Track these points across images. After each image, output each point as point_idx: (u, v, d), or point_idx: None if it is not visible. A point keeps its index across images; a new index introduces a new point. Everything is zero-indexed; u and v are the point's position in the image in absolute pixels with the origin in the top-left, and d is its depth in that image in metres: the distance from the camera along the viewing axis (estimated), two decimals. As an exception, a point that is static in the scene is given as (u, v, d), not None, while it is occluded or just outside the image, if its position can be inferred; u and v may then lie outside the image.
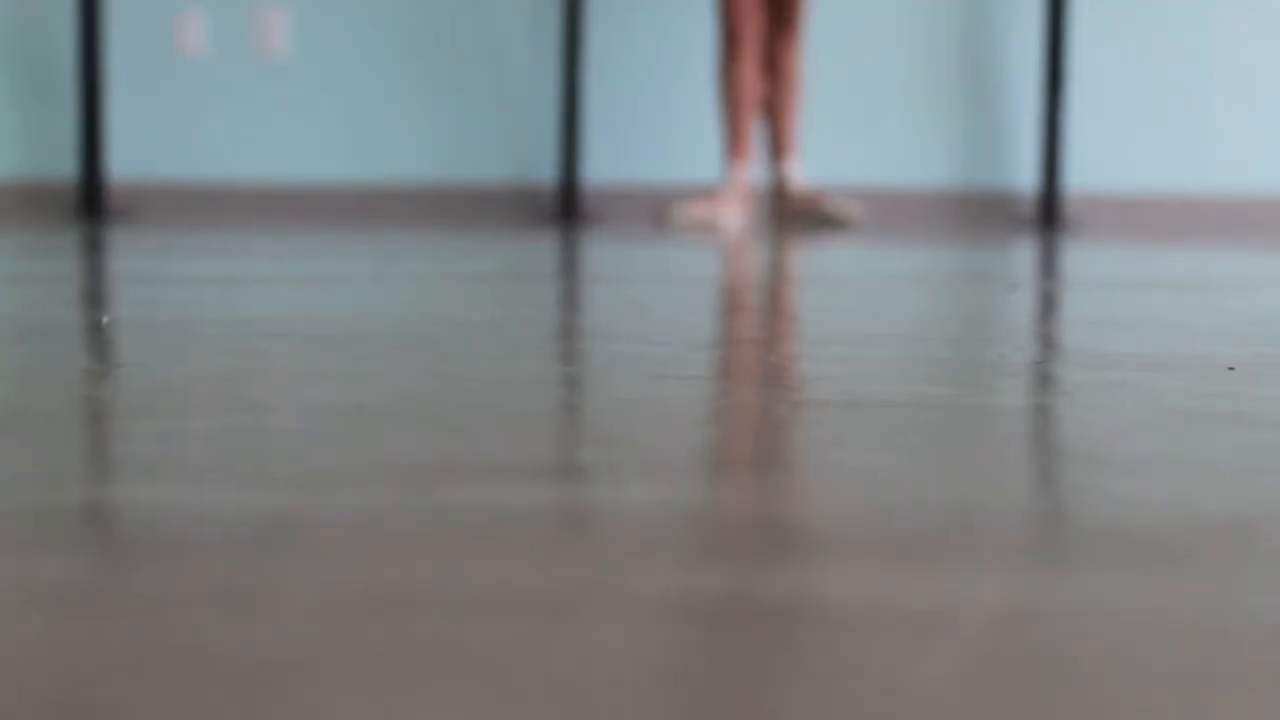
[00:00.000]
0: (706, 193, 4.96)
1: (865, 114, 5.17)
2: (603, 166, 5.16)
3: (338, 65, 5.27)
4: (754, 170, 4.98)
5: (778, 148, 4.96)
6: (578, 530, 0.67)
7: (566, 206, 5.14)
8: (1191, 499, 0.76)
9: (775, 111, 4.95)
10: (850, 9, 5.22)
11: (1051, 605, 0.56)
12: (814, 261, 3.04)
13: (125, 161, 5.24)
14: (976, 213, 5.30)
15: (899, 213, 5.16)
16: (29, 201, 5.27)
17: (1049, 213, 5.14)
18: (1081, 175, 5.25)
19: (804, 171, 5.05)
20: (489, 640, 0.50)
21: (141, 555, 0.61)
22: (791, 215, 4.95)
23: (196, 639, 0.50)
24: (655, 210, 5.09)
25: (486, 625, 0.52)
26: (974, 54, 5.27)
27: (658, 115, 5.19)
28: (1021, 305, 2.05)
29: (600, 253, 3.27)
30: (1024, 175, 5.27)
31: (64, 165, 5.24)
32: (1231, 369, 1.31)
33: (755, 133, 4.96)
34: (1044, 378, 1.28)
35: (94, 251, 3.11)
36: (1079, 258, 3.31)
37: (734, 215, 4.92)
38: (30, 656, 0.48)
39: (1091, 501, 0.75)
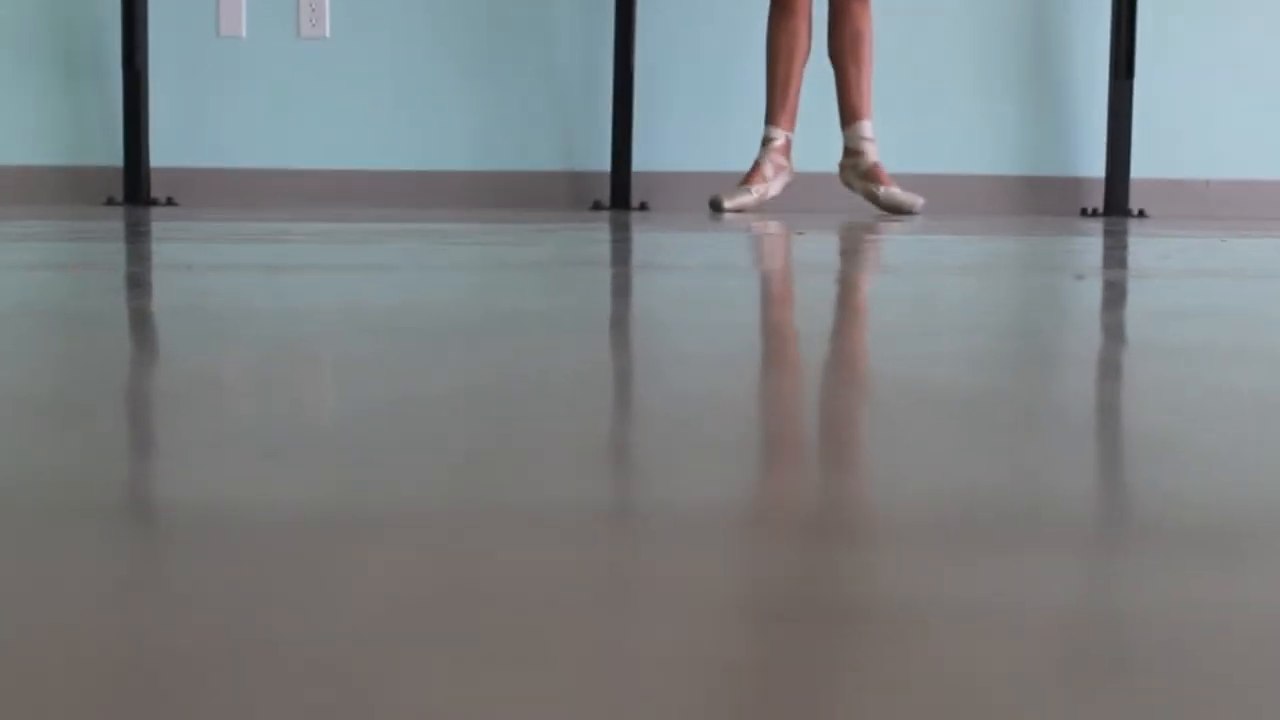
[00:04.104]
0: (749, 173, 4.87)
1: (927, 98, 5.11)
2: (654, 152, 5.12)
3: (381, 47, 5.25)
4: (792, 132, 4.86)
5: (849, 111, 4.83)
6: (633, 522, 0.64)
7: (617, 192, 5.11)
8: (1265, 492, 0.72)
9: (844, 73, 4.82)
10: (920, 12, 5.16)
11: (1121, 600, 0.53)
12: (873, 249, 3.00)
13: (167, 146, 5.24)
14: (1041, 199, 5.24)
15: (960, 198, 5.10)
16: (71, 187, 5.27)
17: (1115, 199, 5.07)
18: (1148, 161, 5.18)
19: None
20: (545, 634, 0.48)
21: (192, 547, 0.60)
22: (858, 183, 4.84)
23: (251, 631, 0.48)
24: (709, 196, 5.04)
25: (542, 619, 0.50)
26: (1039, 37, 5.21)
27: (710, 100, 5.14)
28: (1087, 294, 2.00)
29: (651, 240, 3.24)
30: (1090, 161, 5.20)
31: (106, 151, 5.24)
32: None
33: (798, 93, 4.84)
34: (1111, 369, 1.24)
35: (137, 238, 3.09)
36: (1146, 245, 3.26)
37: (774, 183, 4.85)
38: (85, 650, 0.46)
39: (1161, 495, 0.71)
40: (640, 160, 5.13)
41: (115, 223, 3.77)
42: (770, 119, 4.85)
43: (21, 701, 0.41)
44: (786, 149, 4.86)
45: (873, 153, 4.82)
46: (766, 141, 4.85)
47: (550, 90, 5.24)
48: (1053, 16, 5.20)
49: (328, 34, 5.26)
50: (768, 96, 4.84)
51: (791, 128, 4.87)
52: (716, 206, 4.84)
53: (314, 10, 5.25)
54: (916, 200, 4.81)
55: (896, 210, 4.80)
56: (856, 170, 4.82)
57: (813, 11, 4.82)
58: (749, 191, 4.82)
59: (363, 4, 5.24)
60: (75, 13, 5.24)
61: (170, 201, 5.20)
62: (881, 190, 4.81)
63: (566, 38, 5.23)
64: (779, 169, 4.84)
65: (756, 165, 4.84)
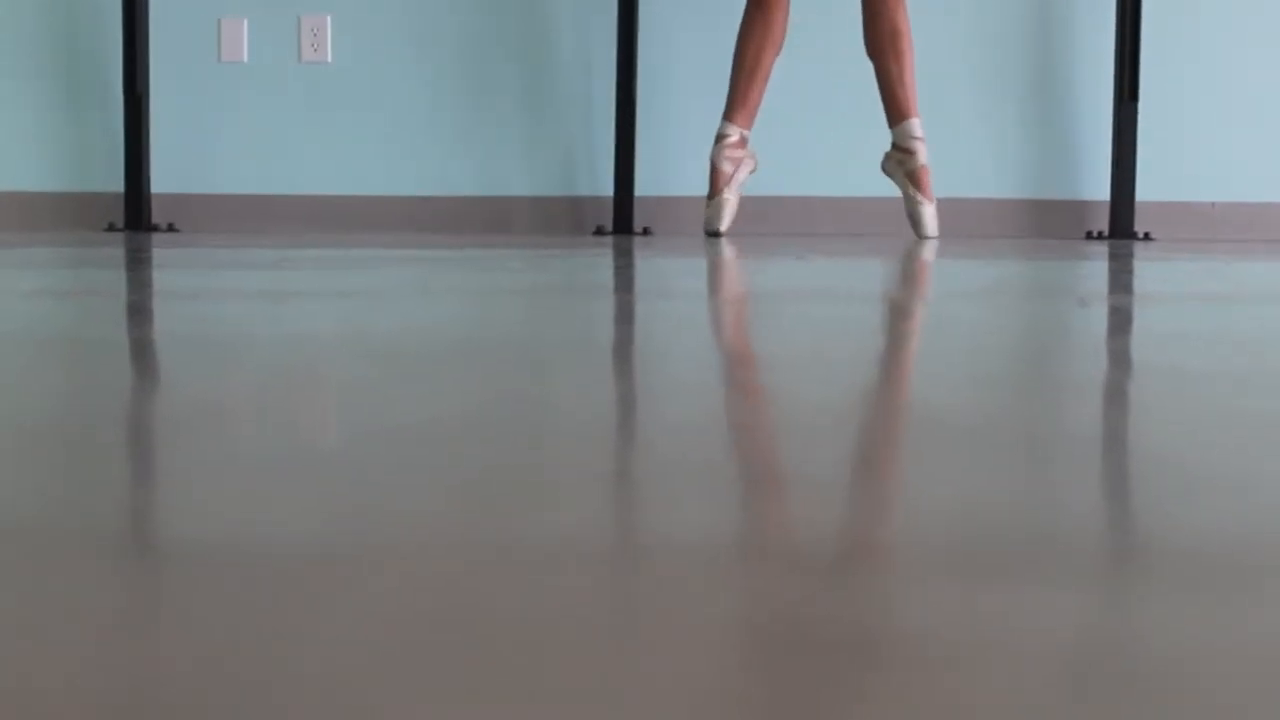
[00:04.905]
0: (711, 180, 4.81)
1: (931, 121, 5.10)
2: (656, 177, 5.11)
3: (383, 72, 5.25)
4: (749, 130, 4.77)
5: (895, 110, 4.73)
6: (634, 554, 0.63)
7: (620, 218, 5.11)
8: (1274, 520, 0.71)
9: (886, 70, 4.67)
10: (921, 17, 5.16)
11: (1129, 631, 0.53)
12: (876, 274, 2.99)
13: (168, 172, 5.24)
14: (1045, 222, 5.23)
15: (964, 222, 5.09)
16: (72, 213, 5.27)
17: (1120, 222, 5.06)
18: (1154, 184, 5.16)
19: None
20: (546, 668, 0.47)
21: (189, 579, 0.59)
22: (898, 177, 4.76)
23: (252, 664, 0.48)
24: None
25: (543, 652, 0.49)
26: (1043, 60, 5.20)
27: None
28: (1093, 320, 1.99)
29: (652, 266, 3.23)
30: (1095, 184, 5.18)
31: (107, 176, 5.23)
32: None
33: (757, 92, 4.76)
34: (1117, 395, 1.23)
35: (137, 265, 3.09)
36: (1151, 270, 3.25)
37: (739, 175, 4.78)
38: (79, 684, 0.46)
39: (1169, 522, 0.70)
40: (643, 185, 5.12)
41: (116, 249, 3.77)
42: (727, 114, 4.74)
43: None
44: (741, 144, 4.77)
45: (923, 154, 4.71)
46: (720, 138, 4.76)
47: (552, 115, 5.24)
48: (1056, 39, 5.19)
49: (329, 59, 5.25)
50: (730, 90, 4.74)
51: (749, 125, 4.77)
52: (714, 233, 4.81)
53: (315, 36, 5.25)
54: (934, 230, 4.77)
55: (913, 223, 4.77)
56: (904, 167, 4.73)
57: (790, 6, 4.76)
58: (726, 200, 4.77)
59: (364, 29, 5.24)
60: (77, 38, 5.24)
61: (171, 227, 5.20)
62: (914, 196, 4.75)
63: (568, 62, 5.22)
64: (737, 162, 4.77)
65: (714, 168, 4.76)
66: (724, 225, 4.77)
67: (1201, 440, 0.97)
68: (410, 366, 1.32)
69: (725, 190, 4.75)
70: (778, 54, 4.75)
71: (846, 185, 5.16)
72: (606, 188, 5.17)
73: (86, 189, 5.25)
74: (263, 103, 5.26)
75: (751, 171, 4.81)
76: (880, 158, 4.93)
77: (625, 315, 1.96)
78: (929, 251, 3.98)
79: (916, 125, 4.71)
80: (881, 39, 4.67)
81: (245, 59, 5.27)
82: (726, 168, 4.74)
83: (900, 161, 4.73)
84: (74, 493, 0.77)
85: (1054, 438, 0.98)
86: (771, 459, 0.89)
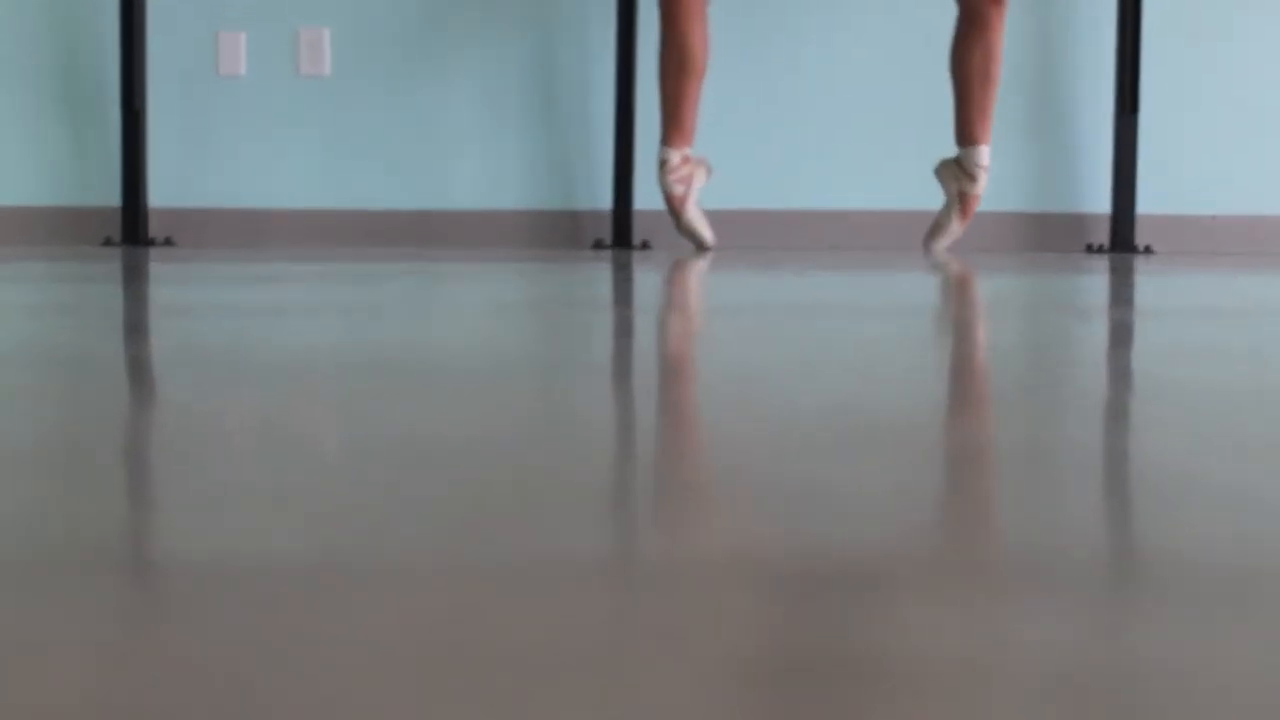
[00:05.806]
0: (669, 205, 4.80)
1: (931, 134, 5.10)
2: (655, 191, 5.10)
3: (381, 85, 5.24)
4: (689, 147, 4.74)
5: (968, 134, 4.68)
6: (636, 579, 0.62)
7: (619, 231, 5.10)
8: (1275, 533, 0.71)
9: (969, 92, 4.63)
10: (920, 28, 5.16)
11: (1128, 651, 0.52)
12: (875, 289, 2.99)
13: (165, 186, 5.23)
14: (1046, 235, 5.22)
15: (966, 235, 5.09)
16: (69, 227, 5.26)
17: (1121, 235, 5.06)
18: (1154, 196, 5.16)
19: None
20: (546, 699, 0.46)
21: (182, 599, 0.59)
22: (949, 192, 4.74)
23: (238, 689, 0.47)
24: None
25: (543, 683, 0.48)
26: (1044, 73, 5.20)
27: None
28: (1093, 334, 1.98)
29: (652, 280, 3.23)
30: (1095, 197, 5.18)
31: (104, 191, 5.23)
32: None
33: (695, 109, 4.73)
34: (1117, 411, 1.22)
35: (136, 280, 3.08)
36: (1152, 284, 3.25)
37: (694, 189, 4.76)
38: (70, 706, 0.46)
39: (1170, 536, 0.69)
40: (641, 199, 5.12)
41: (113, 264, 3.76)
42: (665, 139, 4.72)
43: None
44: (685, 163, 4.74)
45: (982, 184, 4.71)
46: (663, 164, 4.72)
47: (551, 128, 5.23)
48: (1057, 52, 5.19)
49: (327, 72, 5.25)
50: (661, 118, 4.70)
51: (689, 144, 4.72)
52: (704, 247, 4.83)
53: (314, 49, 5.25)
54: (943, 248, 4.79)
55: (932, 231, 4.80)
56: (959, 184, 4.72)
57: (708, 27, 4.72)
58: (692, 219, 4.76)
59: (363, 42, 5.24)
60: (74, 52, 5.24)
61: (169, 242, 5.19)
62: (952, 215, 4.75)
63: (567, 75, 5.22)
64: (686, 180, 4.75)
65: (667, 195, 4.74)
66: (709, 237, 4.80)
67: (1202, 453, 0.96)
68: (410, 382, 1.32)
69: (685, 212, 4.76)
70: (703, 79, 4.72)
71: (846, 198, 5.15)
72: (605, 201, 5.17)
73: (84, 203, 5.25)
74: (261, 116, 5.25)
75: (707, 177, 4.81)
76: (877, 166, 4.93)
77: (624, 330, 1.95)
78: (929, 266, 3.97)
79: (985, 153, 4.72)
80: (973, 60, 4.63)
81: (243, 72, 5.26)
82: (678, 190, 4.74)
83: (957, 178, 4.74)
84: (69, 509, 0.76)
85: (1055, 451, 0.97)
86: (770, 475, 0.88)
